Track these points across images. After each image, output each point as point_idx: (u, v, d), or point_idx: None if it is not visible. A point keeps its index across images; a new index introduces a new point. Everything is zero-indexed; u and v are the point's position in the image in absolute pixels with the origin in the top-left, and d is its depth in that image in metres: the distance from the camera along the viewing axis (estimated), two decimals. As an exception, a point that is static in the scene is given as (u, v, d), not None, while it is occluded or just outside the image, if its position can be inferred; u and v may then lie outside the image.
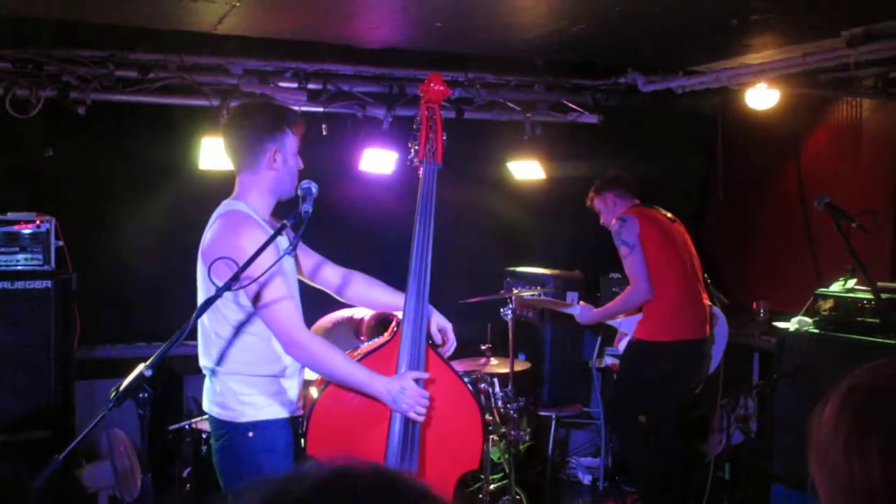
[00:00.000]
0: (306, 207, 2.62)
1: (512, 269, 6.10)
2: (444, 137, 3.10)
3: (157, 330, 4.89)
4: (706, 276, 4.96)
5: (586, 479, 5.85)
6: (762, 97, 5.19)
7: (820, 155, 5.90)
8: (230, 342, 2.76)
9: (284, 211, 2.73)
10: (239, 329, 2.75)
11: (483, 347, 5.00)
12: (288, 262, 2.83)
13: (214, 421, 2.84)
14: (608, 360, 5.66)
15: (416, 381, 2.82)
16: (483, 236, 6.22)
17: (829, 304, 4.42)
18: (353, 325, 3.72)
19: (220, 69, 4.91)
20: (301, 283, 3.03)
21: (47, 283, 4.44)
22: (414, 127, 3.12)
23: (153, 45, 4.68)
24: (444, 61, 5.15)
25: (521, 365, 4.98)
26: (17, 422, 4.29)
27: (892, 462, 1.16)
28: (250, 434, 2.75)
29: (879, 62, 4.60)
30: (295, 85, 5.09)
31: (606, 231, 4.86)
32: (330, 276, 3.16)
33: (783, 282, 6.00)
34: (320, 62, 5.03)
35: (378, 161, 5.37)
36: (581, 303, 5.11)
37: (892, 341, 3.96)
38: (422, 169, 3.06)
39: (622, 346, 4.92)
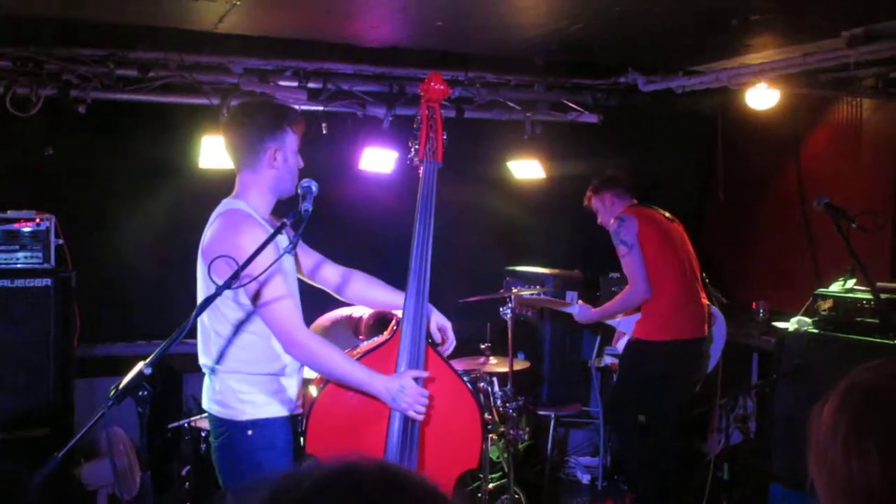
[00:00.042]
0: (306, 206, 2.62)
1: (511, 268, 6.10)
2: (445, 136, 3.10)
3: (156, 328, 4.89)
4: (704, 275, 4.97)
5: (585, 479, 5.85)
6: (762, 97, 5.19)
7: (820, 155, 5.90)
8: (230, 340, 2.76)
9: (284, 209, 2.74)
10: (238, 327, 2.75)
11: (482, 346, 5.01)
12: (288, 260, 2.83)
13: (214, 419, 2.84)
14: (607, 360, 5.67)
15: (416, 379, 2.82)
16: (483, 235, 6.22)
17: (828, 304, 4.43)
18: (352, 324, 3.72)
19: (221, 68, 4.91)
20: (301, 281, 3.04)
21: (47, 282, 4.44)
22: (414, 126, 3.12)
23: (153, 43, 4.68)
24: (445, 60, 5.15)
25: (520, 364, 4.98)
26: (17, 420, 4.29)
27: (891, 461, 1.16)
28: (250, 432, 2.75)
29: (879, 62, 4.60)
30: (295, 84, 5.09)
31: (606, 231, 4.86)
32: (330, 274, 3.16)
33: (783, 282, 6.00)
34: (320, 61, 5.03)
35: (378, 160, 5.37)
36: (580, 302, 5.11)
37: (892, 341, 3.96)
38: (422, 168, 3.06)
39: (620, 345, 4.92)
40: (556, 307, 5.32)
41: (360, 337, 3.63)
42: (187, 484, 4.24)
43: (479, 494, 4.52)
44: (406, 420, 2.83)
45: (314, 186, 2.68)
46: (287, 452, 2.82)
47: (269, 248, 2.56)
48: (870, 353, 3.92)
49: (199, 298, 2.74)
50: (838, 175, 5.60)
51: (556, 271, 5.89)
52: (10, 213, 4.49)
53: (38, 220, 4.50)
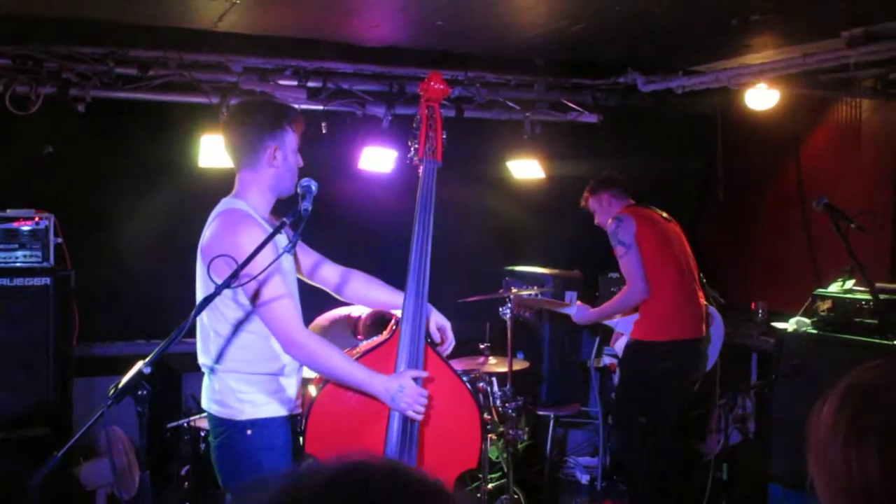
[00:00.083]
0: (306, 205, 2.62)
1: (511, 268, 6.10)
2: (444, 136, 3.10)
3: (155, 327, 4.89)
4: (701, 275, 4.97)
5: (584, 479, 5.85)
6: (762, 97, 5.19)
7: (819, 155, 5.90)
8: (229, 340, 2.76)
9: (284, 209, 2.73)
10: (238, 327, 2.75)
11: (482, 346, 5.00)
12: (287, 260, 2.83)
13: (213, 419, 2.84)
14: (606, 360, 5.67)
15: (415, 379, 2.82)
16: (482, 235, 6.22)
17: (827, 304, 4.43)
18: (351, 324, 3.72)
19: (220, 67, 4.91)
20: (300, 281, 3.03)
21: (46, 280, 4.44)
22: (414, 125, 3.12)
23: (153, 42, 4.68)
24: (444, 60, 5.15)
25: (519, 364, 4.98)
26: (16, 419, 4.29)
27: (890, 461, 1.17)
28: (249, 432, 2.75)
29: (879, 63, 4.60)
30: (295, 83, 5.09)
31: (605, 231, 4.86)
32: (329, 274, 3.16)
33: (782, 282, 6.00)
34: (320, 60, 5.03)
35: (377, 159, 5.37)
36: (578, 303, 5.11)
37: (891, 342, 3.96)
38: (421, 167, 3.06)
39: (618, 345, 4.92)
40: (553, 308, 5.32)
41: (359, 337, 3.63)
42: (186, 483, 4.24)
43: (479, 494, 4.52)
44: (405, 420, 2.82)
45: (314, 186, 2.68)
46: (286, 452, 2.81)
47: (269, 248, 2.56)
48: (869, 353, 3.93)
49: (199, 298, 2.74)
50: (838, 175, 5.60)
51: (555, 271, 5.89)
52: (10, 212, 4.49)
53: (37, 219, 4.50)
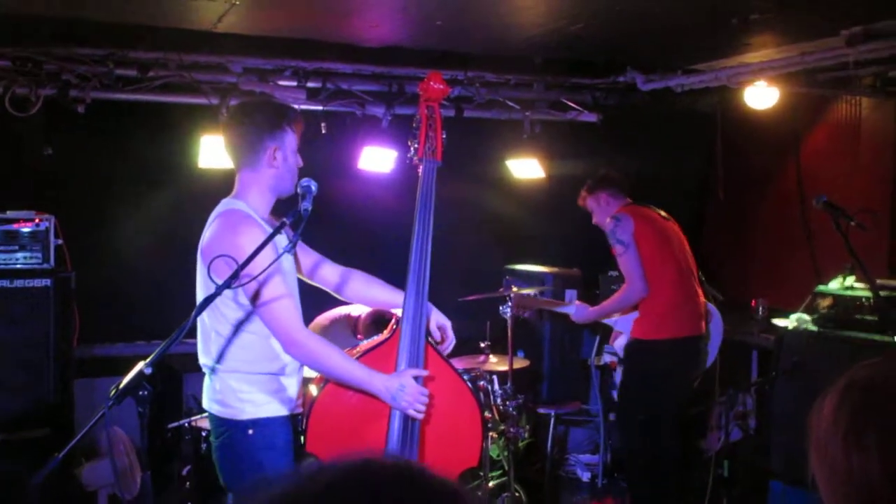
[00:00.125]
0: (306, 206, 2.62)
1: (511, 266, 6.10)
2: (444, 136, 3.10)
3: (156, 328, 4.89)
4: (700, 273, 4.97)
5: (585, 476, 5.86)
6: (761, 96, 5.19)
7: (819, 154, 5.91)
8: (230, 340, 2.76)
9: (284, 209, 2.74)
10: (238, 327, 2.75)
11: (482, 345, 5.00)
12: (287, 260, 2.83)
13: (214, 419, 2.84)
14: (607, 358, 5.67)
15: (416, 378, 2.82)
16: (482, 234, 6.22)
17: (827, 301, 4.43)
18: (351, 323, 3.73)
19: (220, 67, 4.91)
20: (299, 280, 3.04)
21: (46, 282, 4.44)
22: (413, 125, 3.12)
23: (153, 43, 4.68)
24: (444, 60, 5.15)
25: (520, 362, 4.98)
26: (17, 420, 4.29)
27: (891, 456, 1.17)
28: (250, 432, 2.75)
29: (878, 61, 4.60)
30: (294, 83, 5.09)
31: (604, 230, 4.86)
32: (329, 274, 3.16)
33: (782, 280, 6.01)
34: (320, 60, 5.03)
35: (377, 159, 5.37)
36: (577, 302, 5.11)
37: (890, 339, 3.97)
38: (421, 167, 3.06)
39: (617, 344, 4.93)
40: (552, 308, 5.32)
41: (359, 336, 3.63)
42: (188, 484, 4.24)
43: (480, 493, 4.52)
44: (406, 419, 2.83)
45: (314, 186, 2.68)
46: (287, 452, 2.82)
47: (269, 248, 2.57)
48: (869, 350, 3.93)
49: (199, 298, 2.74)
50: (837, 173, 5.61)
51: (555, 270, 5.89)
52: (10, 214, 4.49)
53: (37, 221, 4.50)
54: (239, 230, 2.71)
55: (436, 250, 2.97)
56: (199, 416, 4.22)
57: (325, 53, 5.02)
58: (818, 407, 1.28)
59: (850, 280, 4.45)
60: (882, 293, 3.94)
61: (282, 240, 2.72)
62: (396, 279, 3.11)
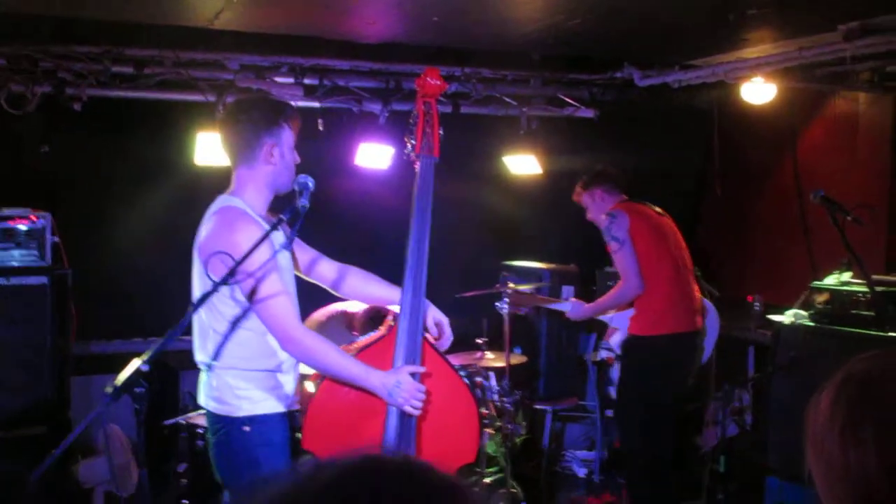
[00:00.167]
0: (303, 202, 2.62)
1: (508, 263, 6.10)
2: (441, 132, 3.09)
3: (153, 325, 4.86)
4: (696, 268, 4.97)
5: (582, 473, 5.86)
6: (758, 91, 5.19)
7: (816, 149, 5.91)
8: (226, 337, 2.76)
9: (281, 206, 2.73)
10: (235, 324, 2.75)
11: (479, 341, 5.01)
12: (284, 257, 2.83)
13: (211, 416, 2.84)
14: (603, 354, 5.66)
15: (413, 375, 2.82)
16: (479, 231, 6.22)
17: (824, 297, 4.43)
18: (347, 319, 3.73)
19: (217, 64, 4.90)
20: (297, 277, 3.03)
21: (43, 280, 4.43)
22: (410, 121, 3.11)
23: (149, 40, 4.67)
24: (441, 56, 5.15)
25: (516, 359, 4.98)
26: (14, 418, 4.28)
27: (887, 450, 1.17)
28: (247, 428, 2.75)
29: (875, 56, 4.61)
30: (291, 80, 5.08)
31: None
32: (326, 270, 3.16)
33: (779, 275, 6.02)
34: (316, 57, 5.03)
35: (374, 156, 5.37)
36: (572, 299, 5.11)
37: (887, 334, 3.98)
38: (418, 163, 3.05)
39: (613, 340, 4.93)
40: (548, 305, 5.32)
41: (354, 332, 3.63)
42: (184, 481, 4.24)
43: (476, 489, 4.52)
44: (403, 415, 2.83)
45: (310, 182, 2.67)
46: (284, 448, 2.82)
47: (265, 245, 2.56)
48: (865, 345, 3.93)
49: (195, 295, 2.74)
50: (834, 169, 5.61)
51: (552, 266, 5.89)
52: (6, 211, 4.47)
53: (33, 218, 4.49)
54: (235, 227, 2.70)
55: (433, 247, 2.97)
56: (195, 413, 4.22)
57: (322, 50, 5.01)
58: (815, 401, 1.28)
59: (847, 275, 4.45)
60: (878, 289, 3.95)
61: (279, 237, 2.71)
62: (393, 275, 3.11)
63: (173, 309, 2.69)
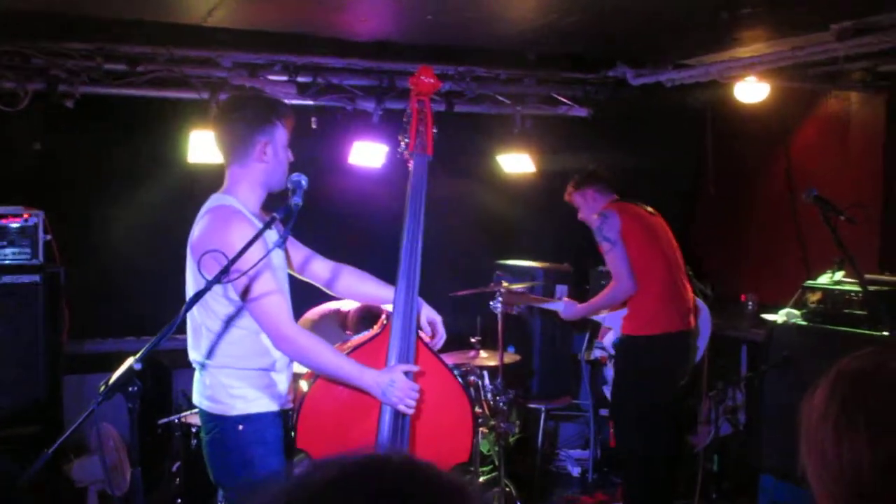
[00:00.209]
0: (296, 200, 2.61)
1: (501, 262, 6.10)
2: (435, 130, 3.09)
3: (146, 324, 4.86)
4: (688, 267, 4.98)
5: (575, 471, 5.87)
6: (752, 91, 5.20)
7: (809, 148, 5.93)
8: (220, 336, 2.75)
9: (274, 204, 2.73)
10: (228, 323, 2.74)
11: (473, 340, 5.01)
12: (277, 255, 2.82)
13: (204, 414, 2.83)
14: (597, 353, 5.68)
15: (406, 373, 2.82)
16: (473, 229, 6.22)
17: (817, 296, 4.45)
18: (340, 318, 3.72)
19: (210, 62, 4.89)
20: (290, 276, 3.03)
21: (35, 278, 4.42)
22: (404, 120, 3.11)
23: (142, 37, 4.65)
24: (435, 54, 5.14)
25: (510, 357, 4.99)
26: (6, 417, 4.27)
27: (880, 446, 1.18)
28: (240, 427, 2.75)
29: (868, 56, 4.62)
30: (284, 78, 5.07)
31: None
32: (320, 269, 3.16)
33: (772, 274, 6.03)
34: (310, 55, 5.02)
35: (368, 154, 5.36)
36: (565, 299, 5.12)
37: (879, 333, 3.99)
38: (412, 162, 3.05)
39: (606, 340, 4.93)
40: (541, 305, 5.32)
41: (348, 331, 3.63)
42: (178, 480, 4.24)
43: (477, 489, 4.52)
44: (396, 414, 2.82)
45: (304, 181, 2.67)
46: (278, 447, 2.81)
47: (259, 244, 2.56)
48: (858, 344, 3.93)
49: (188, 294, 2.73)
50: (827, 168, 5.63)
51: (545, 265, 5.90)
52: (-2, 209, 4.47)
53: (26, 216, 4.47)
54: (229, 225, 2.70)
55: (426, 245, 2.97)
56: (188, 412, 4.21)
57: (316, 48, 5.00)
58: (808, 398, 1.29)
59: (840, 275, 4.46)
60: (871, 288, 3.96)
61: (272, 235, 2.71)
62: (387, 274, 3.10)
63: (167, 307, 2.69)
